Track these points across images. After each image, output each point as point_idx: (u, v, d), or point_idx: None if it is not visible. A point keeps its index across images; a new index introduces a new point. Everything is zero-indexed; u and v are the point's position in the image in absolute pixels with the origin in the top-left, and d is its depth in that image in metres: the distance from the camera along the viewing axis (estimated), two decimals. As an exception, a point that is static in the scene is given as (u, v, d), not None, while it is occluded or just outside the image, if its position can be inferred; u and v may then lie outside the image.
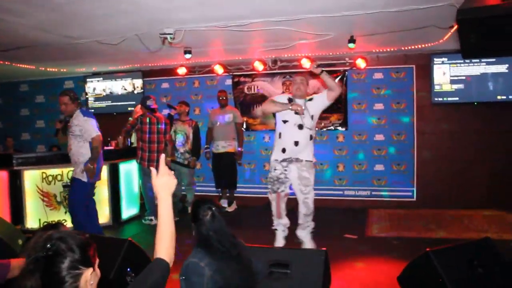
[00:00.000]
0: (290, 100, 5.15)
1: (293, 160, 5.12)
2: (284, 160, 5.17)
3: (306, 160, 5.12)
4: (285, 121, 5.15)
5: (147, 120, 6.74)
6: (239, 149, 7.71)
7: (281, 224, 5.43)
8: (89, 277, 1.57)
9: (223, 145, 7.61)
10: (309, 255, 3.42)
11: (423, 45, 6.95)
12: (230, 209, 7.66)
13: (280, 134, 5.23)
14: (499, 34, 4.24)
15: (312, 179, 5.20)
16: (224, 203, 7.67)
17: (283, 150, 5.15)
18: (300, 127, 5.06)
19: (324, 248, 3.42)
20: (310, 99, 5.27)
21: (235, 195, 7.94)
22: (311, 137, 5.16)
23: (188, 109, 7.63)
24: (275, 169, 5.27)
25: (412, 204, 7.77)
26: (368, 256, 5.28)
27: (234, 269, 2.60)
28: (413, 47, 7.09)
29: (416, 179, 7.83)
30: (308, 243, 5.25)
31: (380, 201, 7.96)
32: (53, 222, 2.50)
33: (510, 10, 3.80)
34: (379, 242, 5.89)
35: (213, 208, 2.74)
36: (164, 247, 1.93)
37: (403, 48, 7.24)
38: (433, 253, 3.24)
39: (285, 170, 5.18)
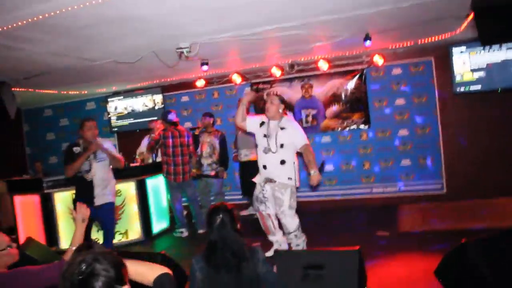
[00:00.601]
0: (263, 123, 5.03)
1: (268, 180, 4.98)
2: (261, 180, 5.08)
3: (279, 182, 4.92)
4: (256, 145, 5.13)
5: (170, 134, 6.82)
6: None
7: (273, 240, 5.34)
8: None
9: (245, 154, 7.62)
10: (343, 255, 3.41)
11: (440, 37, 6.86)
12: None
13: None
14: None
15: (287, 200, 4.92)
16: (251, 210, 7.66)
17: (260, 171, 5.10)
18: (266, 151, 4.91)
19: (357, 247, 3.40)
20: (283, 128, 4.89)
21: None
22: (282, 162, 4.85)
23: (212, 120, 7.58)
24: (256, 188, 5.18)
25: (442, 196, 7.67)
26: (402, 252, 5.22)
27: (226, 282, 2.66)
28: (429, 39, 7.00)
29: (444, 171, 7.73)
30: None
31: (409, 196, 7.87)
32: (87, 242, 2.54)
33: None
34: (413, 237, 5.83)
35: (224, 216, 2.77)
36: (147, 268, 2.03)
37: (419, 42, 7.14)
38: (469, 244, 3.19)
39: (263, 190, 5.04)
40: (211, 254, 2.74)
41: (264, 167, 4.95)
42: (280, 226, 5.17)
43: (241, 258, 2.69)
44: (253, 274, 2.69)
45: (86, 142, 5.27)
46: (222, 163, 7.39)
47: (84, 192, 5.26)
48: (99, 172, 5.35)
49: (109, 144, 5.61)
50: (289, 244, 5.17)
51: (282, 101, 5.03)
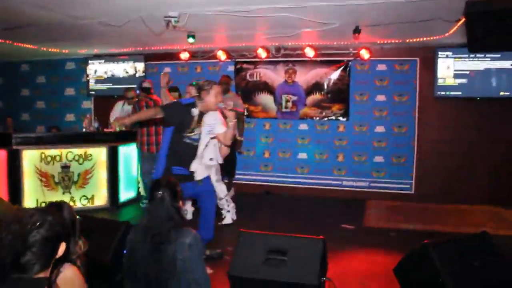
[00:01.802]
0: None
1: None
2: None
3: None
4: None
5: (144, 104, 6.72)
6: (240, 138, 7.54)
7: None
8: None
9: None
10: (307, 243, 3.42)
11: (428, 38, 6.89)
12: (228, 196, 7.60)
13: None
14: (508, 29, 4.21)
15: (213, 175, 5.59)
16: (232, 192, 7.61)
17: None
18: None
19: (321, 237, 3.42)
20: None
21: (233, 182, 7.91)
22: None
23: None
24: None
25: (410, 197, 7.78)
26: (365, 247, 5.29)
27: (146, 258, 2.62)
28: (418, 39, 7.03)
29: (415, 172, 7.83)
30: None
31: (378, 192, 7.96)
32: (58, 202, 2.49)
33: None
34: (376, 233, 5.91)
35: (164, 191, 2.74)
36: None
37: (407, 41, 7.17)
38: (430, 245, 3.23)
39: None
40: (139, 228, 2.76)
41: None
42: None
43: (162, 238, 2.64)
44: (172, 258, 2.61)
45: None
46: None
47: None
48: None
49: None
50: (221, 209, 6.14)
51: (199, 89, 4.85)
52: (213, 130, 4.55)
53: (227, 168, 7.68)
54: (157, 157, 4.57)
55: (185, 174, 4.39)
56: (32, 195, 6.37)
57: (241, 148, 7.80)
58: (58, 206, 2.39)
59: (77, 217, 2.49)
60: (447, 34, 6.40)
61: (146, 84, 7.02)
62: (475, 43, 4.46)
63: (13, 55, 9.39)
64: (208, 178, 4.71)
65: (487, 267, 3.27)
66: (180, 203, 2.83)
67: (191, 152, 4.41)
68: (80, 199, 6.67)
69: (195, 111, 4.34)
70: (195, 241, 2.69)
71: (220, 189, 5.98)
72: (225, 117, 4.59)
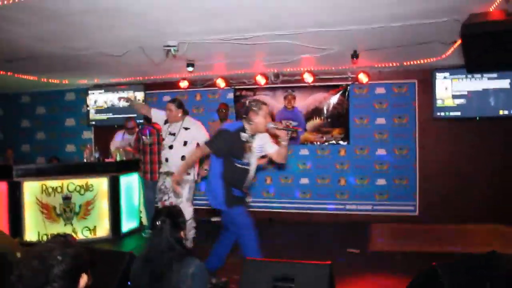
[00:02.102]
0: (166, 121, 5.60)
1: (169, 173, 5.40)
2: (162, 173, 5.65)
3: None
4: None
5: (147, 132, 6.79)
6: None
7: None
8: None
9: None
10: (314, 269, 3.37)
11: (425, 60, 6.97)
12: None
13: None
14: (503, 49, 4.25)
15: (185, 193, 5.39)
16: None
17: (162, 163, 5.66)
18: (170, 147, 5.44)
19: (328, 262, 3.37)
20: (186, 128, 5.47)
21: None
22: (183, 157, 5.29)
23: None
24: (159, 180, 5.75)
25: (414, 218, 7.73)
26: (372, 271, 5.23)
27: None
28: (415, 62, 7.11)
29: (418, 194, 7.80)
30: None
31: (382, 215, 7.91)
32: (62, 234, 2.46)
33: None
34: (382, 256, 5.84)
35: (164, 221, 2.70)
36: None
37: (405, 63, 7.24)
38: (439, 267, 3.19)
39: (164, 181, 5.53)
40: (142, 258, 2.73)
41: (166, 160, 5.48)
42: None
43: (165, 267, 2.60)
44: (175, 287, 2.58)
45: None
46: None
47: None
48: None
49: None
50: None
51: (179, 105, 5.46)
52: (262, 152, 4.49)
53: None
54: (208, 185, 4.47)
55: (243, 196, 4.38)
56: (34, 228, 6.31)
57: None
58: (65, 239, 2.36)
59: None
60: (444, 56, 6.47)
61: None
62: (472, 64, 4.51)
63: (13, 87, 9.44)
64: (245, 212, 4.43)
65: (499, 287, 3.22)
66: (182, 233, 2.77)
67: (244, 175, 4.33)
68: (82, 231, 6.61)
69: (244, 136, 4.28)
70: (199, 271, 2.64)
71: (188, 210, 5.35)
72: (275, 136, 4.46)
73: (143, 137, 6.78)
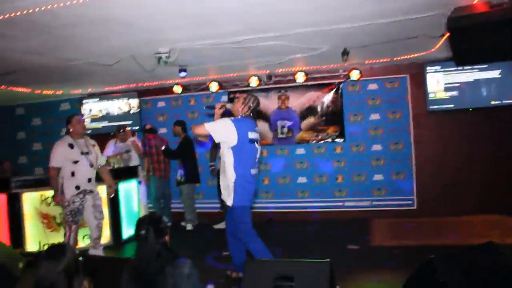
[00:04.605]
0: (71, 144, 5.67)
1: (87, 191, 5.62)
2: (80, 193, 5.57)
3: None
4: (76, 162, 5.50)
5: (152, 137, 7.90)
6: None
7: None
8: None
9: None
10: (314, 267, 3.41)
11: (415, 55, 7.02)
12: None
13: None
14: (489, 41, 4.30)
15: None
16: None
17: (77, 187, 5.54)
18: (91, 165, 5.62)
19: (328, 259, 3.41)
20: (94, 145, 5.85)
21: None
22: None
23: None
24: (73, 202, 5.53)
25: (413, 212, 7.78)
26: (372, 266, 5.26)
27: None
28: (405, 57, 7.16)
29: (415, 188, 7.86)
30: None
31: (380, 211, 7.96)
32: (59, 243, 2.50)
33: (498, 17, 3.87)
34: (382, 251, 5.88)
35: (147, 229, 2.70)
36: None
37: (395, 59, 7.30)
38: (436, 259, 3.23)
39: (82, 201, 5.60)
40: (130, 268, 2.75)
41: (89, 180, 5.61)
42: None
43: (156, 274, 2.63)
44: None
45: None
46: None
47: None
48: None
49: None
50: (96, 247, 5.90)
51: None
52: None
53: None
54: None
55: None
56: (35, 238, 6.33)
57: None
58: (60, 248, 2.39)
59: (80, 258, 2.50)
60: (433, 50, 6.52)
61: (148, 126, 8.08)
62: (460, 57, 4.56)
63: (7, 99, 9.47)
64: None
65: (496, 278, 3.25)
66: (166, 237, 2.79)
67: None
68: (83, 238, 6.63)
69: None
70: (192, 270, 2.70)
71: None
72: None
73: (157, 143, 7.77)
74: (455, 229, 6.69)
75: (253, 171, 4.44)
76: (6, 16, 4.01)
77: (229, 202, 4.39)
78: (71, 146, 5.43)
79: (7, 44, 5.01)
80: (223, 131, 4.28)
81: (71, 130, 5.52)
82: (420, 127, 7.84)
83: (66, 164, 5.41)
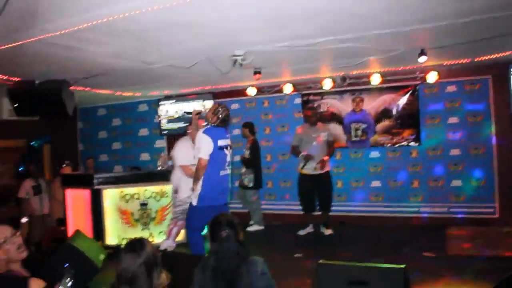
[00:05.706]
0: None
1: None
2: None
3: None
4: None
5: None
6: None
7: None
8: None
9: (314, 166, 7.25)
10: (388, 272, 3.33)
11: (499, 54, 6.65)
12: (327, 233, 7.44)
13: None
14: None
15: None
16: (310, 228, 7.58)
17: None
18: None
19: (403, 265, 3.32)
20: None
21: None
22: None
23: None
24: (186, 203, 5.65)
25: (494, 221, 7.37)
26: (449, 276, 5.06)
27: None
28: (488, 57, 6.79)
29: (498, 195, 7.44)
30: None
31: (458, 218, 7.61)
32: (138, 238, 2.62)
33: None
34: (459, 260, 5.63)
35: (228, 230, 2.76)
36: None
37: (477, 59, 6.93)
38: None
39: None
40: (208, 267, 2.78)
41: None
42: None
43: (235, 272, 2.68)
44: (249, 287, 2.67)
45: None
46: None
47: None
48: None
49: None
50: None
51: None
52: None
53: (325, 202, 7.58)
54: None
55: None
56: (114, 232, 6.66)
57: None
58: (140, 242, 2.51)
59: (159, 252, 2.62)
60: (520, 49, 6.16)
61: None
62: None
63: (90, 101, 10.02)
64: None
65: None
66: (241, 234, 2.86)
67: None
68: (158, 235, 6.88)
69: None
70: (265, 267, 2.78)
71: None
72: None
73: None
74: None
75: (222, 173, 5.02)
76: (93, 23, 4.22)
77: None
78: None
79: (95, 48, 5.26)
80: (209, 148, 4.85)
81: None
82: (503, 131, 7.41)
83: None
